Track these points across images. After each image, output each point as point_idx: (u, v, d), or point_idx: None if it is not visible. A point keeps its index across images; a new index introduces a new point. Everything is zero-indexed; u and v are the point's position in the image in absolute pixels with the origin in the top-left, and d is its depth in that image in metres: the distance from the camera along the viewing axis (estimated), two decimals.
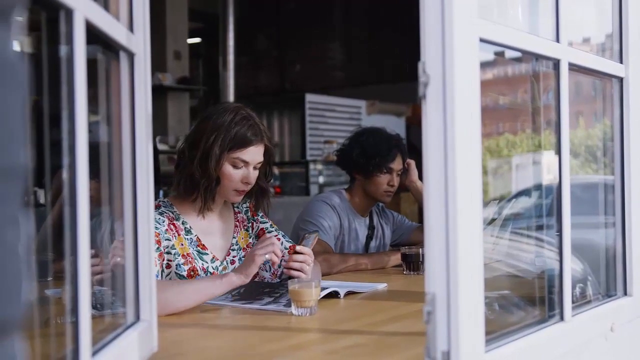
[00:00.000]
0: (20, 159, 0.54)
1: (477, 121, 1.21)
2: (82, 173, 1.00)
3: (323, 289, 2.03)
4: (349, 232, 3.04)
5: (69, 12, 0.98)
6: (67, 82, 1.00)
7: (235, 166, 2.20)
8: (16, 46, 0.56)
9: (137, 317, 1.36)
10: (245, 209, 2.44)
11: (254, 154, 2.22)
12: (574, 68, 1.57)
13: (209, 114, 2.24)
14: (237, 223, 2.39)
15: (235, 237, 2.36)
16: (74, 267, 1.00)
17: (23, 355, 0.58)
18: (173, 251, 2.16)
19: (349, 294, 2.18)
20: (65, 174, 1.00)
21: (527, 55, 1.59)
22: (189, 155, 2.21)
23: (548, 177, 1.92)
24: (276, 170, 7.80)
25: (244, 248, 2.36)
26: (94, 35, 1.11)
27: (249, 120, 2.21)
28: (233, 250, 2.34)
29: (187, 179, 2.21)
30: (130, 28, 1.34)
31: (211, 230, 2.30)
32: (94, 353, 1.08)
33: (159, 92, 7.25)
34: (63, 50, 1.00)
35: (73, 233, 1.00)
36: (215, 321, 1.86)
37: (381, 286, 2.35)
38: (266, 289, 2.15)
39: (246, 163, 2.21)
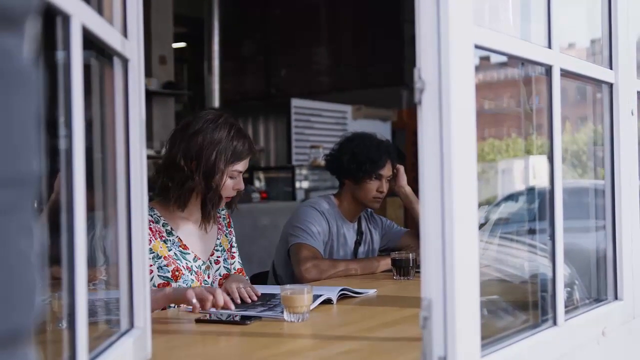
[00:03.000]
0: (34, 167, 0.54)
1: (472, 127, 1.21)
2: (78, 179, 1.00)
3: (316, 296, 2.03)
4: (337, 238, 3.04)
5: (66, 18, 0.98)
6: (64, 88, 0.99)
7: (231, 177, 2.30)
8: (29, 54, 0.55)
9: (132, 324, 1.35)
10: (223, 216, 2.51)
11: (246, 163, 2.34)
12: (565, 74, 1.58)
13: (200, 128, 2.27)
14: (220, 226, 2.47)
15: (219, 239, 2.44)
16: (70, 274, 0.99)
17: None
18: (152, 254, 2.20)
19: (342, 297, 2.19)
20: (61, 180, 1.00)
21: (513, 60, 1.60)
22: (188, 170, 2.24)
23: (535, 182, 1.93)
24: (262, 175, 7.79)
25: (227, 250, 2.46)
26: (88, 41, 1.10)
27: (242, 133, 2.33)
28: (217, 250, 2.42)
29: (186, 193, 2.27)
30: (124, 34, 1.33)
31: (194, 232, 2.36)
32: None
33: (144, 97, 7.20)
34: (59, 55, 1.00)
35: (70, 240, 0.99)
36: (208, 328, 1.85)
37: (372, 292, 2.35)
38: (258, 300, 2.14)
39: (240, 173, 2.33)
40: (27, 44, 0.55)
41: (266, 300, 2.15)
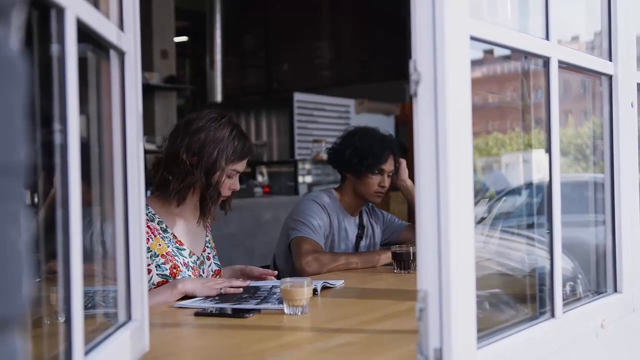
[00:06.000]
0: (22, 156, 0.55)
1: (468, 119, 1.21)
2: (74, 173, 1.00)
3: None
4: (338, 231, 3.04)
5: (61, 11, 0.98)
6: (59, 81, 0.99)
7: (229, 176, 2.32)
8: (15, 44, 0.55)
9: (129, 317, 1.35)
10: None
11: (245, 164, 2.37)
12: (563, 66, 1.57)
13: (203, 125, 2.29)
14: (208, 224, 2.50)
15: (207, 236, 2.48)
16: (66, 267, 0.99)
17: (23, 352, 0.58)
18: (149, 253, 2.21)
19: (324, 289, 2.23)
20: (56, 175, 1.00)
21: (516, 54, 1.60)
22: (189, 165, 2.25)
23: (537, 176, 1.93)
24: (264, 170, 7.79)
25: (213, 247, 2.49)
26: (84, 34, 1.10)
27: (243, 134, 2.35)
28: (207, 247, 2.46)
29: (186, 188, 2.28)
30: (121, 27, 1.33)
31: (186, 229, 2.38)
32: (87, 352, 1.08)
33: (146, 92, 7.20)
34: (54, 48, 1.00)
35: (65, 234, 0.99)
36: (206, 321, 1.86)
37: (339, 283, 2.38)
38: (244, 294, 2.14)
39: (237, 173, 2.34)
40: (13, 35, 0.55)
41: (253, 293, 2.14)
